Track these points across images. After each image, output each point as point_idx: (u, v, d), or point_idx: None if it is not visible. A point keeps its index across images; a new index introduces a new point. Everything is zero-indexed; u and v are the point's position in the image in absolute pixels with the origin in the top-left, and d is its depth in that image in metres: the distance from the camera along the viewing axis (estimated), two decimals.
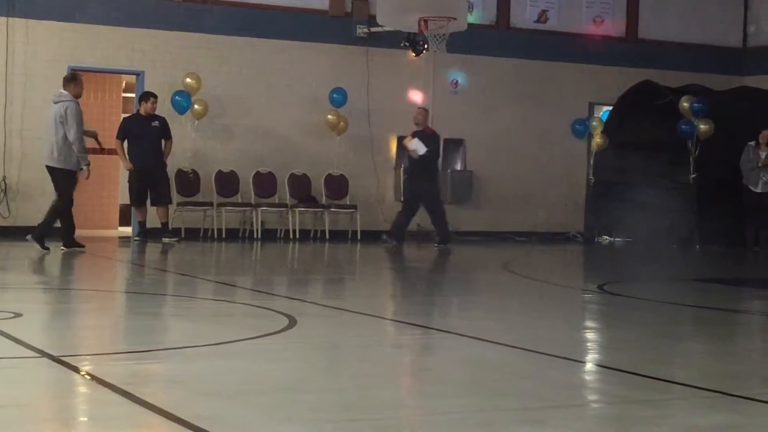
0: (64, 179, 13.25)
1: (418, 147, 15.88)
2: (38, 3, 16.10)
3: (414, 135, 16.10)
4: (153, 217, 15.81)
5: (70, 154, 13.12)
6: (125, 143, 15.66)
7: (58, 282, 10.69)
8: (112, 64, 16.72)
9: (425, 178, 16.06)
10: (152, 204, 15.78)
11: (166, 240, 15.50)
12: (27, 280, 10.35)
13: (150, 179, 15.56)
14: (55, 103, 13.22)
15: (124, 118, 16.36)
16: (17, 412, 4.32)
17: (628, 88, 19.38)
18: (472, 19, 18.09)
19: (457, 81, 18.90)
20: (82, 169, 13.23)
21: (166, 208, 15.76)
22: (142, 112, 15.74)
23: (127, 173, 15.95)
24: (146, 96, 15.81)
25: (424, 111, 16.62)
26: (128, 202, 16.34)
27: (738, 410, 4.73)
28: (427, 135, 16.12)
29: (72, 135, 13.02)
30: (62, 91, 13.31)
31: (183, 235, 16.13)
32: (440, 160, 17.23)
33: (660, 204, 17.92)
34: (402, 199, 17.33)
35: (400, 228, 16.26)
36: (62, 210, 13.36)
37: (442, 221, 16.25)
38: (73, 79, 13.51)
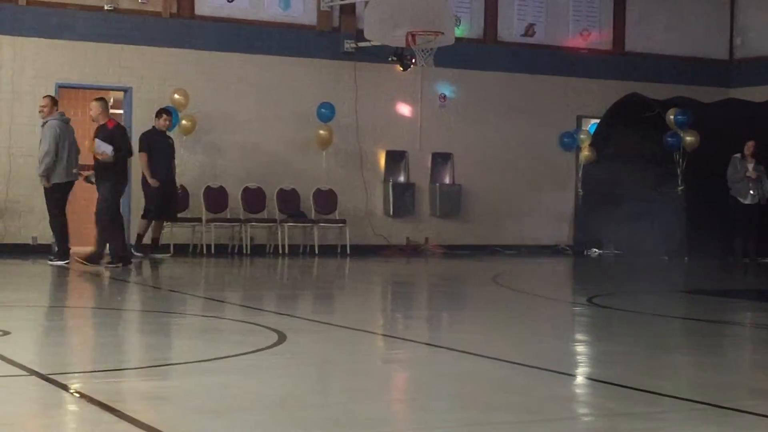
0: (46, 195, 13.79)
1: (105, 149, 13.39)
2: (25, 20, 16.09)
3: (96, 134, 13.66)
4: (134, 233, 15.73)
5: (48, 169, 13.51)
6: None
7: (46, 299, 10.66)
8: (99, 81, 16.70)
9: (107, 179, 13.61)
10: (167, 219, 15.69)
11: (156, 256, 15.45)
12: (15, 297, 10.31)
13: (169, 194, 15.56)
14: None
15: (144, 133, 15.93)
16: (7, 431, 4.30)
17: (616, 101, 19.45)
18: (459, 33, 18.13)
19: (444, 95, 18.94)
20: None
21: (162, 224, 15.69)
22: (157, 126, 15.63)
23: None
24: (159, 113, 15.73)
25: (97, 102, 13.87)
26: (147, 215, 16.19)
27: (727, 422, 4.74)
28: (108, 130, 13.58)
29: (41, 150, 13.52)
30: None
31: (172, 251, 16.09)
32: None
33: (648, 216, 17.97)
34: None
35: (117, 246, 13.69)
36: (51, 225, 13.88)
37: (103, 237, 13.63)
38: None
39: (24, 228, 16.01)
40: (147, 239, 15.57)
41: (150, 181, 15.39)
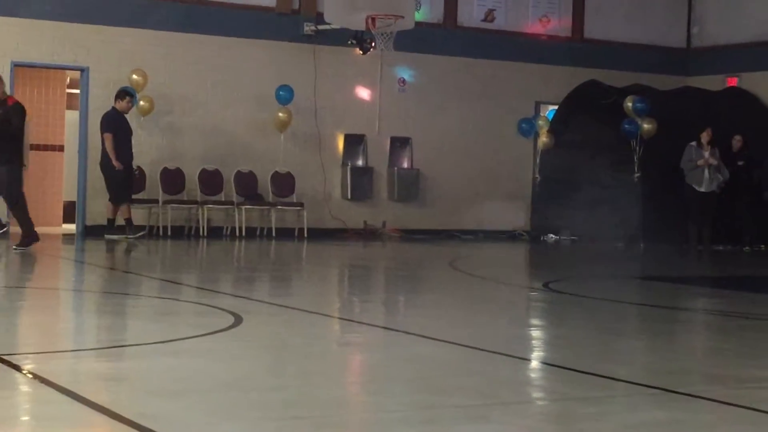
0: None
1: None
2: None
3: None
4: (96, 214, 15.68)
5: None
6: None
7: (0, 279, 10.57)
8: (56, 60, 16.55)
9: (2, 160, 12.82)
10: (127, 201, 15.57)
11: (111, 237, 15.35)
12: None
13: (130, 176, 15.51)
14: None
15: (108, 114, 15.76)
16: None
17: (574, 88, 19.54)
18: (419, 17, 18.13)
19: (404, 79, 18.93)
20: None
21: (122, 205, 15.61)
22: (119, 108, 15.50)
23: (71, 167, 15.75)
24: (122, 94, 15.60)
25: None
26: (72, 199, 16.15)
27: (680, 407, 4.78)
28: (9, 106, 12.86)
29: None
30: None
31: (147, 230, 16.04)
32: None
33: (605, 203, 18.09)
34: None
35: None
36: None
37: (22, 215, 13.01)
38: None
39: None
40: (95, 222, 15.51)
41: (114, 163, 15.30)
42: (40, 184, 17.58)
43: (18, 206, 12.90)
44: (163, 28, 17.06)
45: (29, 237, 12.81)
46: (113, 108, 15.55)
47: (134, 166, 16.03)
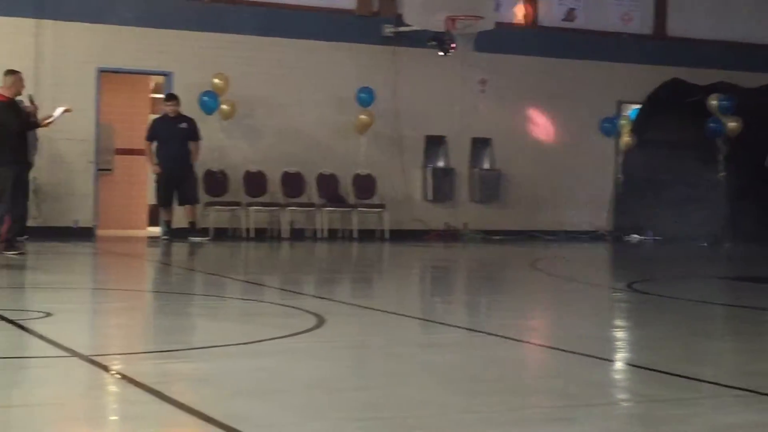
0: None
1: None
2: (67, 5, 16.19)
3: None
4: (181, 217, 15.91)
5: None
6: (154, 145, 15.83)
7: (87, 282, 10.75)
8: (140, 65, 16.80)
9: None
10: (179, 204, 15.88)
11: (193, 239, 15.58)
12: (56, 280, 10.41)
13: (176, 180, 15.69)
14: None
15: (153, 120, 16.48)
16: (49, 411, 4.35)
17: (657, 86, 19.31)
18: (499, 17, 18.06)
19: (484, 80, 18.87)
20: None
21: (194, 208, 15.86)
22: (166, 113, 15.95)
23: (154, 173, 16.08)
24: (167, 98, 16.01)
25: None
26: (156, 202, 16.45)
27: None
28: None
29: None
30: None
31: (211, 235, 16.19)
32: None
33: (689, 202, 17.86)
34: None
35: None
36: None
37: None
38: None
39: (65, 211, 16.14)
40: (179, 224, 15.75)
41: (151, 167, 15.88)
42: (126, 188, 17.87)
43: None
44: (244, 32, 17.22)
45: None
46: (164, 113, 16.01)
47: (216, 169, 16.25)
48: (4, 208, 12.00)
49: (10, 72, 12.44)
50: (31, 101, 12.57)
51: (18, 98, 12.48)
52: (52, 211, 16.04)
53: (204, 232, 16.08)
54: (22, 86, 12.50)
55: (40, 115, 12.72)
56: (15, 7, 15.92)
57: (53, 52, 16.15)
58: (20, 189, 12.33)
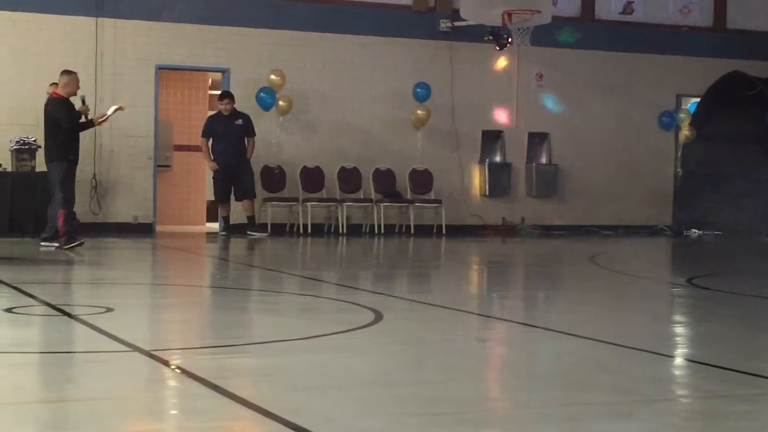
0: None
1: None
2: (125, 2, 16.34)
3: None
4: (239, 213, 16.01)
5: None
6: (210, 142, 15.96)
7: (147, 277, 10.85)
8: (198, 62, 16.93)
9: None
10: (237, 199, 15.98)
11: (252, 234, 15.68)
12: (117, 275, 10.53)
13: (233, 176, 15.80)
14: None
15: (208, 117, 16.63)
16: (110, 405, 4.40)
17: (717, 79, 19.10)
18: (556, 11, 17.96)
19: (541, 74, 18.78)
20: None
21: (252, 202, 15.96)
22: (221, 110, 16.07)
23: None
24: (221, 96, 16.14)
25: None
26: (214, 198, 16.58)
27: None
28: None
29: None
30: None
31: (269, 231, 16.28)
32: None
33: (750, 196, 17.65)
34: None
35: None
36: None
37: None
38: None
39: (125, 207, 16.30)
40: (237, 220, 15.86)
41: (207, 164, 16.07)
42: (184, 184, 18.03)
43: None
44: (300, 28, 17.28)
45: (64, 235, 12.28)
46: (218, 111, 16.13)
47: (274, 165, 16.32)
48: (57, 204, 12.21)
49: (66, 72, 12.68)
50: (83, 102, 12.76)
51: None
52: (112, 207, 16.21)
53: (263, 227, 16.17)
54: (77, 87, 12.72)
55: (92, 115, 12.91)
56: (75, 6, 16.09)
57: (113, 50, 16.31)
58: (70, 185, 12.54)
